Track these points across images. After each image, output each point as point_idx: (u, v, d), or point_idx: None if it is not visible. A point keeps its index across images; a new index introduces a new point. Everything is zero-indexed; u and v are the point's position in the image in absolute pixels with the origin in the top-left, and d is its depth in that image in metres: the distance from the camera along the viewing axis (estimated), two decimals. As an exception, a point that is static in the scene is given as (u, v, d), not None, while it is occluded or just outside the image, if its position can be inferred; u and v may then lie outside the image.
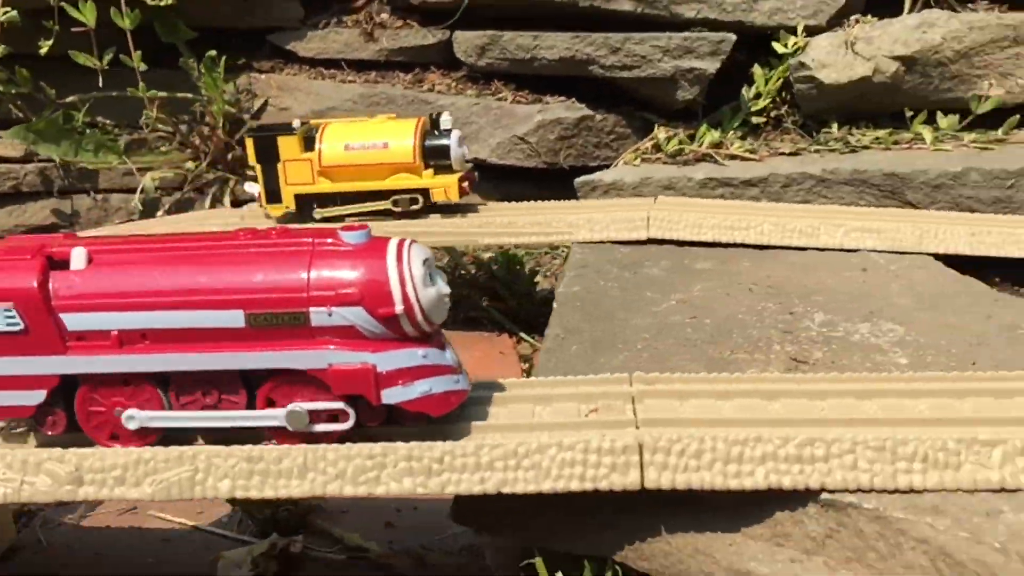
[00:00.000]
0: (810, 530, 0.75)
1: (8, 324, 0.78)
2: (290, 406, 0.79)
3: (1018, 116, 1.60)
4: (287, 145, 1.44)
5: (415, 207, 1.43)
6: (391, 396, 0.77)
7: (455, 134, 1.45)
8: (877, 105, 1.68)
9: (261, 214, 1.52)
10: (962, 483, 0.73)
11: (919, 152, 1.59)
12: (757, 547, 0.77)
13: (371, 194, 1.45)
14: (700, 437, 0.76)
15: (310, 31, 1.87)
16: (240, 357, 0.78)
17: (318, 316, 0.77)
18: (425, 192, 1.44)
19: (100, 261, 0.79)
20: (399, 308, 0.76)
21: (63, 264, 0.79)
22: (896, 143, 1.62)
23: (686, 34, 1.69)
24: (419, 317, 0.77)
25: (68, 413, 0.81)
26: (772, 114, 1.72)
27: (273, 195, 1.47)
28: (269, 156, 1.45)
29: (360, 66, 1.88)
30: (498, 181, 1.78)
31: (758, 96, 1.70)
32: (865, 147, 1.62)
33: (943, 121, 1.63)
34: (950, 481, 0.73)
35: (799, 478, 0.75)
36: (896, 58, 1.63)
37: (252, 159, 1.47)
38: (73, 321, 0.78)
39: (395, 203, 1.43)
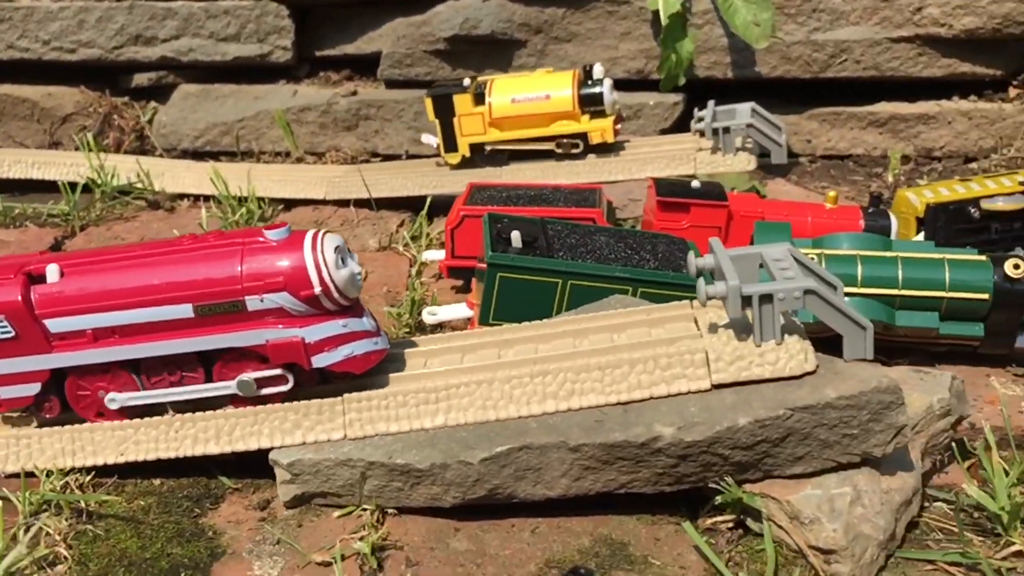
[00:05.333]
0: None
1: (1, 333, 0.95)
2: (239, 376, 0.96)
3: None
4: (461, 101, 1.65)
5: (576, 150, 1.65)
6: (320, 361, 0.94)
7: (607, 82, 1.63)
8: None
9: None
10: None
11: None
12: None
13: (536, 140, 1.66)
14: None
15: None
16: (193, 342, 0.95)
17: (252, 302, 0.93)
18: (584, 136, 1.65)
19: (71, 273, 0.96)
20: (317, 289, 0.93)
21: (41, 279, 0.96)
22: None
23: None
24: (335, 294, 0.94)
25: (61, 399, 0.99)
26: None
27: (450, 145, 1.68)
28: (445, 112, 1.66)
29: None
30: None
31: None
32: None
33: None
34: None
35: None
36: None
37: (431, 116, 1.67)
38: (55, 325, 0.95)
39: (558, 146, 1.65)
